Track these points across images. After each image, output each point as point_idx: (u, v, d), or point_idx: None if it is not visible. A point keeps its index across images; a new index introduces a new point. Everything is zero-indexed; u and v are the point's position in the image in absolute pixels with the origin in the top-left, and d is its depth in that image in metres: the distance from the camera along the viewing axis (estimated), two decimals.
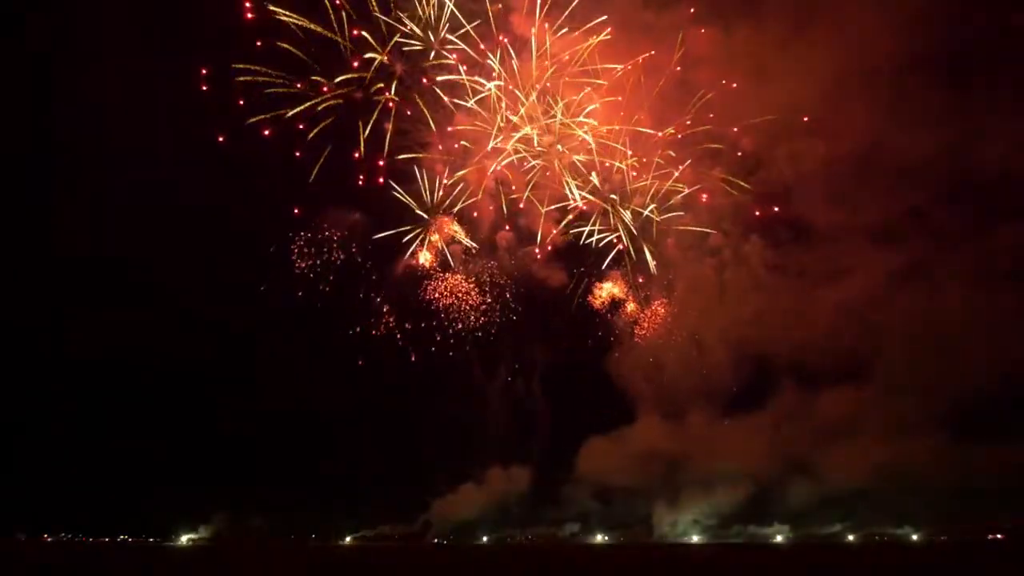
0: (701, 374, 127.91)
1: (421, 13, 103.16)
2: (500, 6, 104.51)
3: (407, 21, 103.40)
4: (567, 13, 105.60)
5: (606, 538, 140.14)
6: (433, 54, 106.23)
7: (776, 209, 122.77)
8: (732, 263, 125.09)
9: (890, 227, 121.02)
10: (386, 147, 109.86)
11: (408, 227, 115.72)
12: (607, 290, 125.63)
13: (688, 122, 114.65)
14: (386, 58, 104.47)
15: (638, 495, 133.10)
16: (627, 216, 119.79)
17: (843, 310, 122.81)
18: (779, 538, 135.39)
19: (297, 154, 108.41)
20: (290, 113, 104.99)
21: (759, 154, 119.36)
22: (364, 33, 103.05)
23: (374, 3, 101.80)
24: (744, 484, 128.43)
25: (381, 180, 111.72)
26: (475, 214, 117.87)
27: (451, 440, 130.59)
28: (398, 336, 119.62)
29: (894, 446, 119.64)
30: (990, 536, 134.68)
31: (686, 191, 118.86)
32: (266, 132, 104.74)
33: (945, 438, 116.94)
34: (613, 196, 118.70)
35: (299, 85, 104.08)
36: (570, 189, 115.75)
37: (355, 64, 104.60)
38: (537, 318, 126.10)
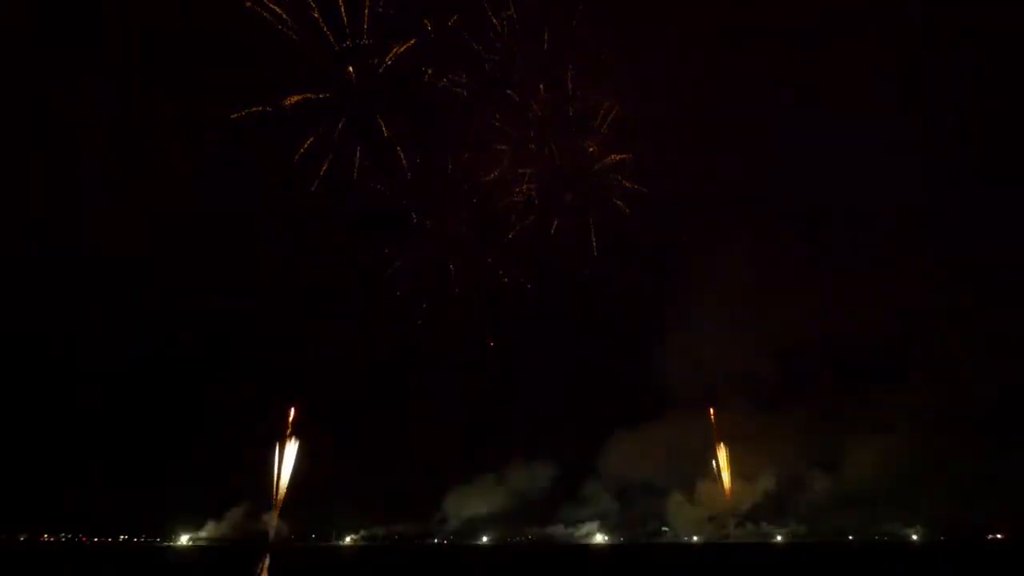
0: (734, 369, 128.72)
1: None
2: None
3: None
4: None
5: (606, 538, 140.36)
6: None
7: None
8: (762, 255, 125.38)
9: (926, 222, 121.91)
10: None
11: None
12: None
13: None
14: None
15: (657, 493, 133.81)
16: None
17: (879, 305, 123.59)
18: (779, 538, 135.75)
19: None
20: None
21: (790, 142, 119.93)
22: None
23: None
24: (767, 482, 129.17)
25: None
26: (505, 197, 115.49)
27: (472, 434, 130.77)
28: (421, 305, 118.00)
29: (924, 444, 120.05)
30: (990, 536, 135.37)
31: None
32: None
33: (979, 437, 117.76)
34: (621, 205, 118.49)
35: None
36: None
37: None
38: (561, 307, 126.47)
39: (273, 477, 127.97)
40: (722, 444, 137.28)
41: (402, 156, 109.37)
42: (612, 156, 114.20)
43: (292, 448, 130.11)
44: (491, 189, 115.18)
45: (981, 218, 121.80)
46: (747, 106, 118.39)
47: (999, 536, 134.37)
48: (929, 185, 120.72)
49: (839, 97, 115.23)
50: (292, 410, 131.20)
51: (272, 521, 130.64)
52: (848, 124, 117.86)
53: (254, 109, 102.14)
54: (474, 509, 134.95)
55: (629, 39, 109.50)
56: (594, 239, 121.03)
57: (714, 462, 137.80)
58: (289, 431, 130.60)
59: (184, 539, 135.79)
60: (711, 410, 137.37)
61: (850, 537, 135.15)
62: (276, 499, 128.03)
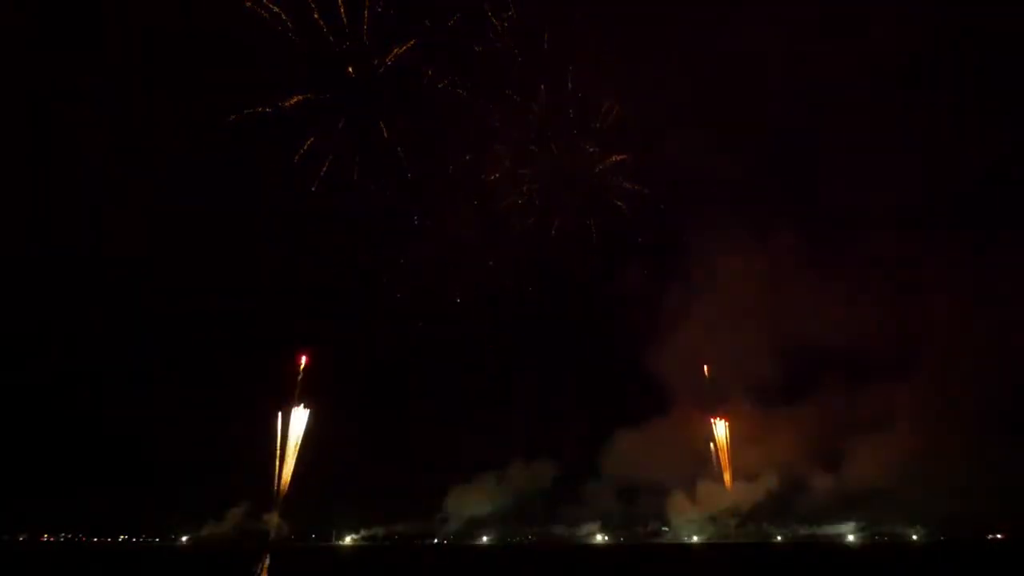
0: (734, 368, 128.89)
1: None
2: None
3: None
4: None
5: (607, 538, 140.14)
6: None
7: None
8: (762, 255, 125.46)
9: (930, 219, 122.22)
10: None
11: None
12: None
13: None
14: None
15: (657, 493, 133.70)
16: None
17: (878, 305, 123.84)
18: (779, 538, 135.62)
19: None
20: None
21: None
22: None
23: None
24: (768, 482, 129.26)
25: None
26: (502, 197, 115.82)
27: (472, 434, 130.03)
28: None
29: (924, 444, 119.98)
30: (990, 536, 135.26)
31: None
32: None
33: (979, 437, 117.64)
34: (620, 203, 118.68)
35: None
36: None
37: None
38: (561, 307, 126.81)
39: (275, 470, 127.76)
40: (720, 420, 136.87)
41: (402, 156, 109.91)
42: (612, 156, 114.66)
43: (298, 415, 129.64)
44: (492, 190, 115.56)
45: (981, 218, 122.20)
46: (746, 105, 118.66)
47: (999, 536, 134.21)
48: (929, 185, 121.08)
49: (839, 96, 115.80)
50: (301, 365, 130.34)
51: (272, 521, 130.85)
52: (848, 123, 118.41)
53: (254, 109, 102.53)
54: (474, 509, 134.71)
55: (629, 39, 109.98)
56: (594, 239, 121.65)
57: (712, 445, 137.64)
58: (298, 389, 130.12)
59: (184, 539, 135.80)
60: (705, 368, 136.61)
61: (850, 537, 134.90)
62: (279, 476, 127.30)
